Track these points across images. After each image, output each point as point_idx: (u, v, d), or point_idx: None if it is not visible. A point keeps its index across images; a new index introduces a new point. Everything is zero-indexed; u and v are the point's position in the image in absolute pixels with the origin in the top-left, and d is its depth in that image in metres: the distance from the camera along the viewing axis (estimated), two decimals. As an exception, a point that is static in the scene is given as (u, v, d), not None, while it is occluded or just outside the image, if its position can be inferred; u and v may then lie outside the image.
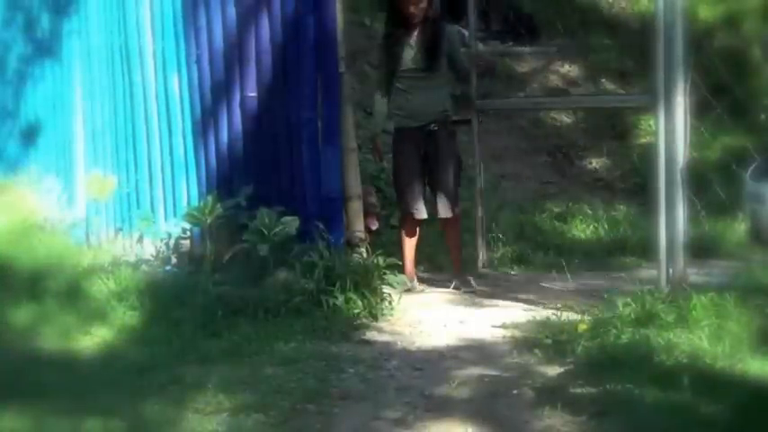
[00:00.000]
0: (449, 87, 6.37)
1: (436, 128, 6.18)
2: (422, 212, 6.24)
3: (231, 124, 6.19)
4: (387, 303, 5.62)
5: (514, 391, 4.29)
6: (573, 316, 5.22)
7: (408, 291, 6.06)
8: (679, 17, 4.98)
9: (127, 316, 5.40)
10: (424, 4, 6.13)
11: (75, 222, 7.11)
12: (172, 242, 6.24)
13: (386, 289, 5.72)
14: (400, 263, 6.11)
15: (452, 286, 6.26)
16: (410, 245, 6.30)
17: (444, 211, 6.21)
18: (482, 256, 6.69)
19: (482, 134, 6.80)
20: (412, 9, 6.11)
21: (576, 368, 4.49)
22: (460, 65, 6.42)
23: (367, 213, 6.16)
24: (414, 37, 6.19)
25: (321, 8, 5.79)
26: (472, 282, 6.26)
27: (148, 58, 6.61)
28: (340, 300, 5.42)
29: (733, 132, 7.22)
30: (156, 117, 6.60)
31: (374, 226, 6.26)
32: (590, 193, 8.29)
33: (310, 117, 5.85)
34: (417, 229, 6.33)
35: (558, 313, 5.34)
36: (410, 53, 6.17)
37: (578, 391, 4.20)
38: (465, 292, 6.19)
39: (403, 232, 6.31)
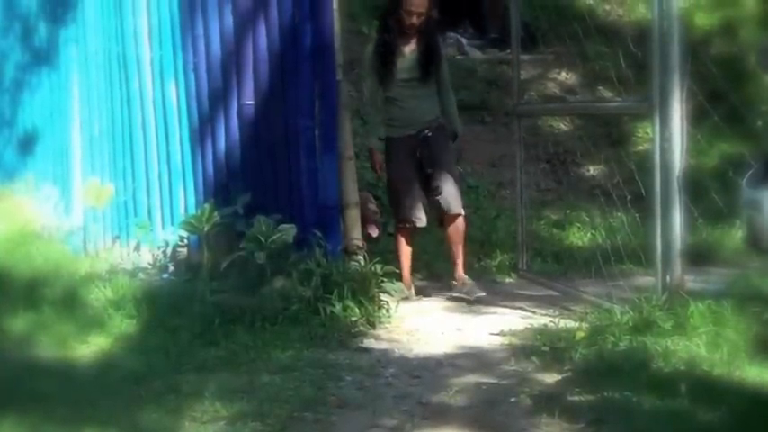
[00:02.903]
0: (436, 95, 6.33)
1: (430, 133, 6.17)
2: (423, 221, 6.22)
3: (228, 132, 6.20)
4: (384, 311, 5.62)
5: (512, 399, 4.29)
6: (570, 323, 5.22)
7: (405, 299, 6.05)
8: (675, 24, 4.99)
9: (124, 324, 5.40)
10: (424, 16, 6.13)
11: (72, 230, 7.11)
12: (169, 250, 6.25)
13: (383, 296, 5.71)
14: (398, 270, 6.10)
15: (456, 291, 6.21)
16: (407, 253, 6.29)
17: (454, 206, 6.16)
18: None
19: (478, 142, 6.82)
20: (414, 20, 6.12)
21: (573, 375, 4.49)
22: (443, 75, 6.36)
23: (367, 221, 6.15)
24: (409, 46, 6.20)
25: (318, 16, 5.80)
26: (478, 289, 6.20)
27: (146, 66, 6.62)
28: (337, 307, 5.42)
29: (730, 139, 7.21)
30: (153, 125, 6.60)
31: (375, 233, 6.25)
32: (587, 200, 8.29)
33: (307, 125, 5.85)
34: (413, 237, 6.32)
35: (556, 320, 5.34)
36: (405, 63, 6.18)
37: (576, 398, 4.20)
38: (475, 299, 6.11)
39: (400, 241, 6.29)
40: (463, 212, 6.26)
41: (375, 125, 6.32)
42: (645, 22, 6.41)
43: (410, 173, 6.18)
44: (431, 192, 6.20)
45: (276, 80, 5.98)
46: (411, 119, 6.19)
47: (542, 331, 5.20)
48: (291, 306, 5.40)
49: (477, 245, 7.26)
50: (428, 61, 6.20)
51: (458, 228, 6.26)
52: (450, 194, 6.16)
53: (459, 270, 6.27)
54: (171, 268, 6.17)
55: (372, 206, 6.41)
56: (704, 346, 4.52)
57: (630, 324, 4.85)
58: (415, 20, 6.12)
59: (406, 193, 6.18)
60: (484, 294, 6.16)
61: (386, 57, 6.18)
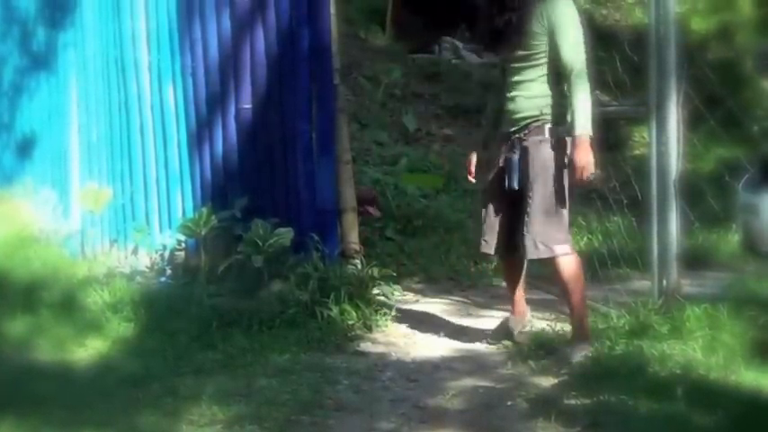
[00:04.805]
0: (547, 84, 4.84)
1: (525, 137, 4.77)
2: (491, 246, 4.97)
3: (226, 136, 6.21)
4: (381, 315, 5.62)
5: (509, 403, 4.29)
6: (567, 327, 5.23)
7: (521, 332, 5.15)
8: (672, 29, 5.01)
9: (122, 327, 5.40)
10: None
11: (70, 234, 7.12)
12: (167, 254, 6.25)
13: (380, 300, 5.71)
14: (395, 273, 6.03)
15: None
16: (510, 280, 5.23)
17: (532, 251, 4.76)
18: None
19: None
20: None
21: (570, 379, 4.50)
22: (564, 54, 4.82)
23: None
24: (504, 13, 4.79)
25: (316, 20, 5.81)
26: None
27: (144, 70, 6.63)
28: (334, 311, 5.42)
29: (726, 143, 7.25)
30: (151, 129, 6.61)
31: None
32: (584, 204, 8.30)
33: (305, 129, 5.86)
34: (513, 262, 5.08)
35: (553, 324, 5.35)
36: (502, 34, 4.83)
37: (572, 402, 4.21)
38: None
39: (503, 270, 5.33)
40: (541, 256, 4.79)
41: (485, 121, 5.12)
42: (642, 27, 6.43)
43: (494, 185, 4.92)
44: (515, 226, 4.86)
45: (273, 84, 5.99)
46: (503, 111, 4.87)
47: (539, 335, 5.20)
48: (289, 309, 5.40)
49: (473, 248, 7.26)
50: (522, 30, 4.70)
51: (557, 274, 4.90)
52: (534, 234, 4.74)
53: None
54: (168, 272, 6.17)
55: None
56: (700, 349, 4.52)
57: (627, 328, 4.86)
58: None
59: (481, 211, 5.03)
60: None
61: (485, 27, 4.96)
